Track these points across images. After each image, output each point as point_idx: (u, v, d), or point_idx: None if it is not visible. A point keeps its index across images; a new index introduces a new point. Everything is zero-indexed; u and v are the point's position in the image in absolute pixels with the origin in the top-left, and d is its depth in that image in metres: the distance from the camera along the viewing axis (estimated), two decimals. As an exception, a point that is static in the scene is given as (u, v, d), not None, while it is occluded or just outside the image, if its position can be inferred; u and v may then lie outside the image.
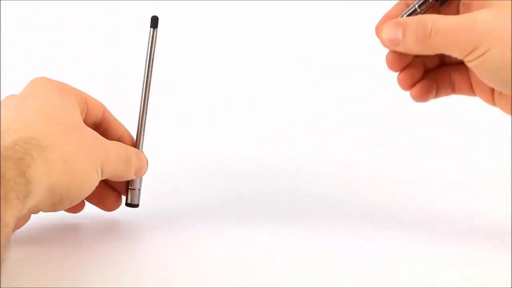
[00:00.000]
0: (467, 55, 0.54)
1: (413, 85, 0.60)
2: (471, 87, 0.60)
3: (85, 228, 0.61)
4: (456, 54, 0.55)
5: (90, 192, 0.54)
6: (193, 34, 1.07)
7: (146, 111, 0.60)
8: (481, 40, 0.53)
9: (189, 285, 0.47)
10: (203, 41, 1.05)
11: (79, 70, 1.03)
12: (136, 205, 0.62)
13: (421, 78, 0.60)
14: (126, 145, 0.58)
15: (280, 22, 1.08)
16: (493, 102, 0.59)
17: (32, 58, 1.05)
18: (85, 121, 0.56)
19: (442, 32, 0.55)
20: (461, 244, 0.59)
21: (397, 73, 0.60)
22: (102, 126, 0.59)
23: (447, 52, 0.55)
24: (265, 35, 1.05)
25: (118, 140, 0.59)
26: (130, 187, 0.61)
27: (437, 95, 0.61)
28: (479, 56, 0.54)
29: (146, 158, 0.60)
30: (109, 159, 0.55)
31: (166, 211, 0.66)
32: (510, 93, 0.55)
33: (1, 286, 0.38)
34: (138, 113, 0.60)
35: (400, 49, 0.57)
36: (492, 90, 0.59)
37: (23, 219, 0.53)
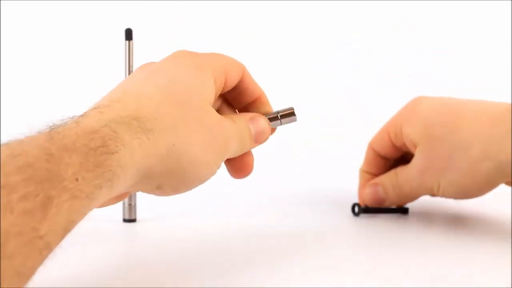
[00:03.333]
0: (430, 193, 0.65)
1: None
2: None
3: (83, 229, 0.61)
4: (425, 194, 0.66)
5: (201, 183, 0.50)
6: (173, 45, 1.07)
7: None
8: (428, 181, 0.63)
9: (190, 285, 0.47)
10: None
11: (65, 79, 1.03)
12: (134, 220, 0.64)
13: None
14: (247, 120, 0.53)
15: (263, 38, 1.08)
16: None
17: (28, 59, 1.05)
18: (222, 90, 0.52)
19: (405, 188, 0.66)
20: (461, 245, 0.59)
21: None
22: (239, 87, 0.54)
23: (419, 196, 0.67)
24: (246, 52, 1.05)
25: (256, 101, 0.55)
26: (128, 203, 0.63)
27: None
28: (437, 191, 0.63)
29: (266, 123, 0.55)
30: (229, 149, 0.51)
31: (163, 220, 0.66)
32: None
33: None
34: None
35: (384, 205, 0.68)
36: None
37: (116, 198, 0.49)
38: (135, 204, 0.64)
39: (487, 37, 1.10)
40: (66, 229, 0.38)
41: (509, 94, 0.85)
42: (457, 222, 0.69)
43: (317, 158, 0.93)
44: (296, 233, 0.62)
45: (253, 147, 0.54)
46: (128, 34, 0.61)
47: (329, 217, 0.69)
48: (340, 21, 1.08)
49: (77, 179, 0.39)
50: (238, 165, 0.54)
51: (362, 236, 0.64)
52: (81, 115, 0.43)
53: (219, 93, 0.52)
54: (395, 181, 0.66)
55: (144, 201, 0.65)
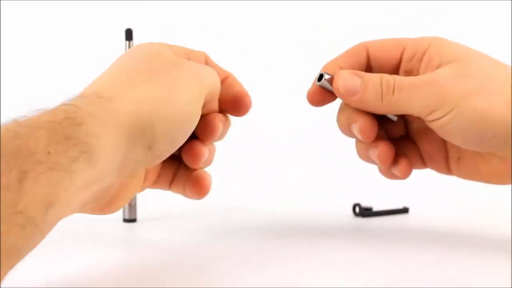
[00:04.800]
0: (431, 113, 0.53)
1: (393, 160, 0.58)
2: (422, 160, 0.59)
3: (83, 229, 0.61)
4: (418, 112, 0.53)
5: (189, 123, 0.48)
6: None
7: None
8: (447, 96, 0.52)
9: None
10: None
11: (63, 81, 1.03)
12: (134, 220, 0.64)
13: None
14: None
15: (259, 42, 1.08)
16: (448, 170, 0.58)
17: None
18: None
19: (405, 89, 0.53)
20: (461, 245, 0.59)
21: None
22: None
23: (408, 111, 0.54)
24: (246, 52, 1.05)
25: (224, 80, 0.54)
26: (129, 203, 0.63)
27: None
28: (446, 114, 0.52)
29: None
30: (202, 81, 0.49)
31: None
32: (482, 149, 0.54)
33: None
34: None
35: (355, 100, 0.54)
36: (446, 159, 0.58)
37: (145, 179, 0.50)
38: (135, 204, 0.64)
39: (487, 37, 1.10)
40: (49, 202, 0.38)
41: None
42: (457, 222, 0.69)
43: (318, 158, 0.93)
44: (296, 233, 0.62)
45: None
46: (128, 34, 0.62)
47: (329, 217, 0.69)
48: (340, 21, 1.08)
49: (49, 152, 0.38)
50: (194, 183, 0.54)
51: (362, 236, 0.64)
52: (65, 100, 0.43)
53: None
54: (388, 78, 0.54)
55: (144, 201, 0.65)
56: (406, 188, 0.63)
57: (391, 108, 0.54)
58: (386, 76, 0.54)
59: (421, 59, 0.55)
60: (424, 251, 0.56)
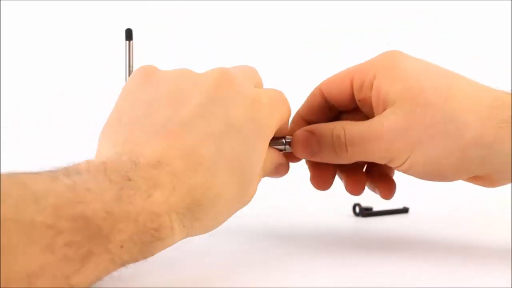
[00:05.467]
0: (389, 162, 0.53)
1: (362, 187, 0.59)
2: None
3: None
4: (377, 161, 0.53)
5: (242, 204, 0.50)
6: (173, 45, 1.07)
7: None
8: (397, 148, 0.51)
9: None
10: (184, 53, 1.05)
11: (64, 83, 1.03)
12: None
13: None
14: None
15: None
16: None
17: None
18: None
19: (357, 145, 0.53)
20: (461, 245, 0.59)
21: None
22: None
23: (367, 160, 0.54)
24: (246, 52, 1.05)
25: None
26: None
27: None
28: (402, 163, 0.52)
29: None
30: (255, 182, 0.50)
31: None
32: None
33: None
34: None
35: (316, 159, 0.56)
36: None
37: None
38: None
39: (487, 37, 1.10)
40: (91, 284, 0.39)
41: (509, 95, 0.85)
42: (457, 222, 0.69)
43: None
44: (297, 233, 0.62)
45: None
46: (128, 34, 0.61)
47: (329, 217, 0.69)
48: (340, 21, 1.08)
49: (122, 247, 0.40)
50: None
51: (362, 236, 0.64)
52: (154, 185, 0.42)
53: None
54: (339, 133, 0.54)
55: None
56: (406, 188, 0.63)
57: (349, 160, 0.54)
58: (336, 130, 0.54)
59: (370, 88, 0.54)
60: (424, 251, 0.56)
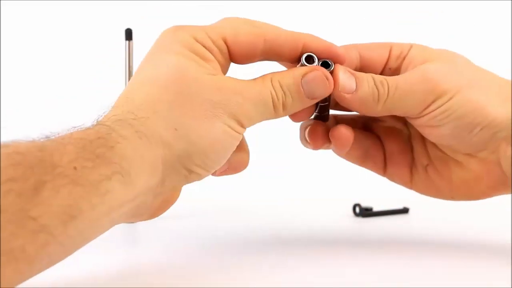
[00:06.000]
0: (428, 106, 0.51)
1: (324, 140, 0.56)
2: (384, 161, 0.57)
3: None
4: (412, 109, 0.52)
5: (231, 149, 0.47)
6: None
7: None
8: (441, 90, 0.51)
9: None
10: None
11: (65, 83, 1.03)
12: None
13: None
14: (268, 81, 0.48)
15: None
16: (409, 180, 0.57)
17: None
18: (234, 54, 0.49)
19: (400, 88, 0.51)
20: (461, 245, 0.59)
21: None
22: (269, 45, 0.49)
23: (403, 109, 0.52)
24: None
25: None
26: None
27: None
28: (439, 106, 0.51)
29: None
30: (244, 106, 0.46)
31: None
32: (464, 147, 0.53)
33: None
34: None
35: (349, 100, 0.51)
36: (411, 166, 0.57)
37: (163, 200, 0.47)
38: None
39: (487, 37, 1.10)
40: (70, 215, 0.37)
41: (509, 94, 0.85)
42: (457, 222, 0.69)
43: (318, 158, 0.93)
44: (297, 233, 0.62)
45: (284, 115, 0.50)
46: (128, 34, 0.62)
47: (329, 217, 0.69)
48: (339, 21, 1.08)
49: (75, 167, 0.38)
50: (232, 163, 0.50)
51: (362, 236, 0.64)
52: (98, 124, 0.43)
53: (226, 58, 0.49)
54: (381, 81, 0.51)
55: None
56: (406, 188, 0.63)
57: (385, 108, 0.52)
58: (378, 76, 0.52)
59: (404, 58, 0.54)
60: (424, 251, 0.56)
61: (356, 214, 0.70)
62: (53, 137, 0.40)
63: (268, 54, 0.50)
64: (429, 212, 0.73)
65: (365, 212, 0.69)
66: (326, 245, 0.58)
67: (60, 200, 0.37)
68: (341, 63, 0.51)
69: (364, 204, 0.70)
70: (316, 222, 0.67)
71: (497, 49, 1.09)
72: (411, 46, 0.55)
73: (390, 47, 0.55)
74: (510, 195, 0.63)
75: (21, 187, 0.36)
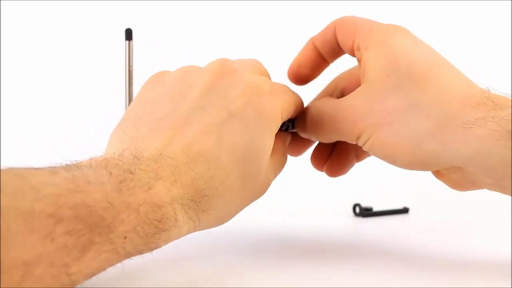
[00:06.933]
0: (356, 142, 0.52)
1: (324, 162, 0.59)
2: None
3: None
4: (348, 141, 0.53)
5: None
6: (173, 45, 1.07)
7: None
8: (360, 129, 0.50)
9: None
10: (184, 52, 1.05)
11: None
12: None
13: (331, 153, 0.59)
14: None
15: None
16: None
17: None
18: None
19: (327, 122, 0.52)
20: (461, 245, 0.59)
21: None
22: None
23: (341, 139, 0.53)
24: (246, 52, 1.05)
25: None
26: None
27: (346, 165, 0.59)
28: (364, 143, 0.51)
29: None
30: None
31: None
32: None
33: None
34: None
35: (308, 136, 0.56)
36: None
37: None
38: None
39: (487, 37, 1.10)
40: (94, 275, 0.39)
41: (509, 94, 0.85)
42: (457, 222, 0.69)
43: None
44: (297, 233, 0.62)
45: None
46: (128, 34, 0.62)
47: (329, 217, 0.69)
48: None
49: (125, 237, 0.39)
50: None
51: (362, 236, 0.64)
52: (156, 177, 0.42)
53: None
54: (317, 111, 0.54)
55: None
56: (406, 188, 0.64)
57: (328, 139, 0.55)
58: (313, 108, 0.54)
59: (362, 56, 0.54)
60: (424, 251, 0.56)
61: (356, 214, 0.70)
62: (126, 193, 0.40)
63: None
64: (429, 212, 0.73)
65: (365, 212, 0.69)
66: (326, 245, 0.58)
67: (97, 263, 0.38)
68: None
69: (364, 204, 0.70)
70: (316, 222, 0.67)
71: (497, 49, 1.09)
72: (367, 46, 0.53)
73: (334, 27, 0.58)
74: (511, 195, 0.63)
75: (74, 244, 0.36)
